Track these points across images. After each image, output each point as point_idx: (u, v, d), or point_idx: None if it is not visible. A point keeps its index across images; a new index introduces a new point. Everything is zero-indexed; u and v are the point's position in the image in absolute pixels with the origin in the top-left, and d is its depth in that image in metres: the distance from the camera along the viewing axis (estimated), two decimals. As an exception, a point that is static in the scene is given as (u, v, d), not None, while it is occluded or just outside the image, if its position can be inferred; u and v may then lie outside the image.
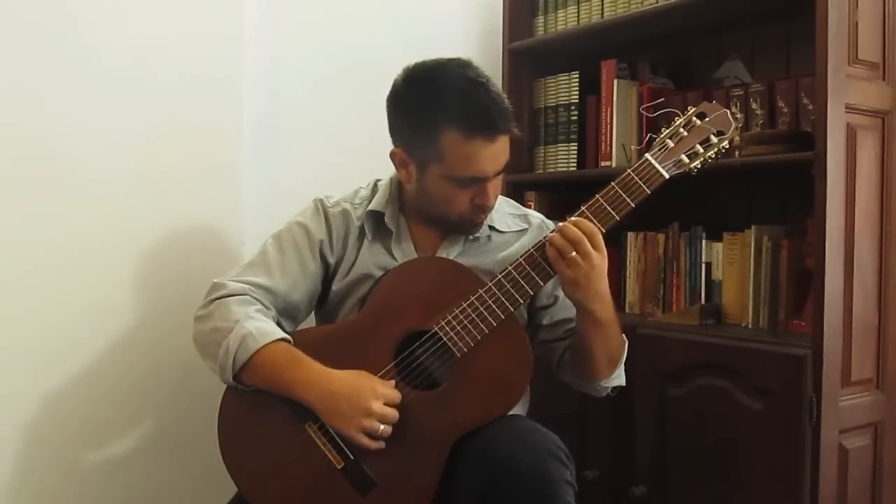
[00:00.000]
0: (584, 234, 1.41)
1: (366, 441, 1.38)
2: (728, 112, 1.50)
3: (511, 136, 1.50)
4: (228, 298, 1.49)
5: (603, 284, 1.44)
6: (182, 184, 1.93)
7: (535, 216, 1.70)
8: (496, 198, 1.56)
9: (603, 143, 2.22)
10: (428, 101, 1.48)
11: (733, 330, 1.92)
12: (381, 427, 1.38)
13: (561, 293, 1.60)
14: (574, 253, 1.40)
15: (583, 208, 1.46)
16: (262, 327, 1.45)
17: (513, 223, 1.66)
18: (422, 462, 1.42)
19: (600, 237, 1.42)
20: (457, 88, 1.46)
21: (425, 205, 1.57)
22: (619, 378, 1.60)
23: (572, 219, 1.44)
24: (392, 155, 1.56)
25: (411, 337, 1.47)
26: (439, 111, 1.46)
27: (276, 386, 1.42)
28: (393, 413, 1.39)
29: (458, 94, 1.46)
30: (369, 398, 1.38)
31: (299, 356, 1.43)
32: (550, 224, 1.66)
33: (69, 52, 1.79)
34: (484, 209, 1.54)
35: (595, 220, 1.44)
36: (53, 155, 1.77)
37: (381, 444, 1.40)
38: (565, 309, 1.61)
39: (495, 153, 1.48)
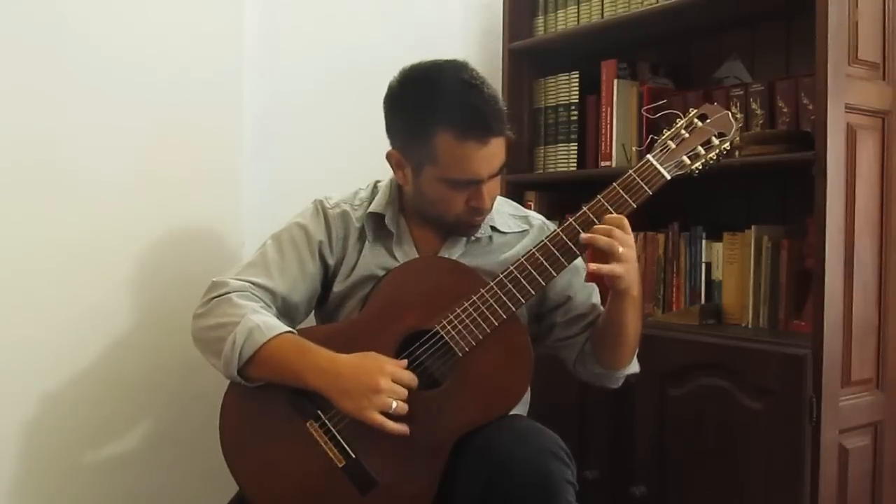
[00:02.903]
0: (614, 225, 1.42)
1: (379, 419, 1.37)
2: (729, 113, 1.50)
3: (506, 138, 1.50)
4: (230, 294, 1.49)
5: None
6: (182, 185, 1.93)
7: (536, 217, 1.70)
8: (493, 200, 1.56)
9: (603, 143, 2.22)
10: (422, 103, 1.47)
11: (733, 330, 1.92)
12: (395, 404, 1.37)
13: (573, 292, 1.60)
14: (622, 248, 1.40)
15: (584, 208, 1.46)
16: (268, 321, 1.45)
17: (514, 224, 1.66)
18: (422, 461, 1.42)
19: (626, 221, 1.44)
20: (451, 90, 1.46)
21: (422, 206, 1.57)
22: (635, 364, 1.62)
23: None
24: (388, 156, 1.56)
25: (413, 336, 1.47)
26: (433, 113, 1.45)
27: (283, 376, 1.42)
28: (403, 390, 1.39)
29: (451, 96, 1.45)
30: (376, 375, 1.37)
31: (306, 344, 1.44)
32: (551, 225, 1.66)
33: (69, 53, 1.78)
34: (479, 211, 1.54)
35: (597, 220, 1.44)
36: (53, 155, 1.77)
37: (403, 428, 1.38)
38: (579, 305, 1.61)
39: (489, 156, 1.47)
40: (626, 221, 1.43)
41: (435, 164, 1.48)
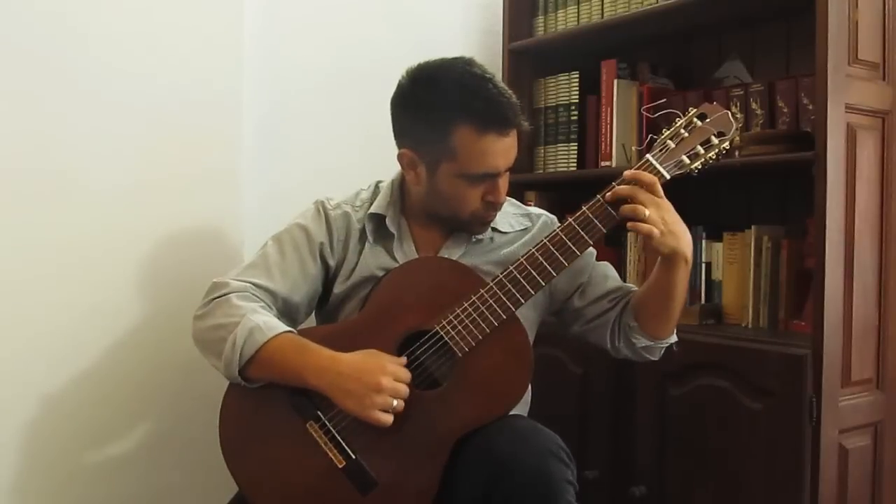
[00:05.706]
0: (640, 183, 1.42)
1: (384, 418, 1.37)
2: (729, 113, 1.49)
3: (520, 130, 1.50)
4: (230, 295, 1.49)
5: (681, 221, 1.46)
6: (182, 186, 1.93)
7: (538, 212, 1.70)
8: (505, 194, 1.56)
9: (603, 143, 2.22)
10: (438, 100, 1.47)
11: (733, 330, 1.93)
12: (395, 402, 1.38)
13: (584, 278, 1.61)
14: (647, 211, 1.40)
15: (584, 208, 1.46)
16: (268, 321, 1.45)
17: (515, 223, 1.66)
18: (423, 462, 1.42)
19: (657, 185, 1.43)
20: (466, 85, 1.47)
21: (435, 206, 1.57)
22: (675, 334, 1.61)
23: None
24: (400, 157, 1.55)
25: (413, 337, 1.47)
26: (451, 108, 1.46)
27: (284, 375, 1.42)
28: (404, 389, 1.39)
29: (468, 90, 1.46)
30: (378, 374, 1.38)
31: (306, 344, 1.44)
32: (555, 219, 1.67)
33: (68, 56, 1.78)
34: (495, 206, 1.54)
35: (597, 220, 1.44)
36: (54, 158, 1.77)
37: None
38: (597, 284, 1.61)
39: (507, 148, 1.48)
40: (652, 183, 1.42)
41: (453, 159, 1.48)
